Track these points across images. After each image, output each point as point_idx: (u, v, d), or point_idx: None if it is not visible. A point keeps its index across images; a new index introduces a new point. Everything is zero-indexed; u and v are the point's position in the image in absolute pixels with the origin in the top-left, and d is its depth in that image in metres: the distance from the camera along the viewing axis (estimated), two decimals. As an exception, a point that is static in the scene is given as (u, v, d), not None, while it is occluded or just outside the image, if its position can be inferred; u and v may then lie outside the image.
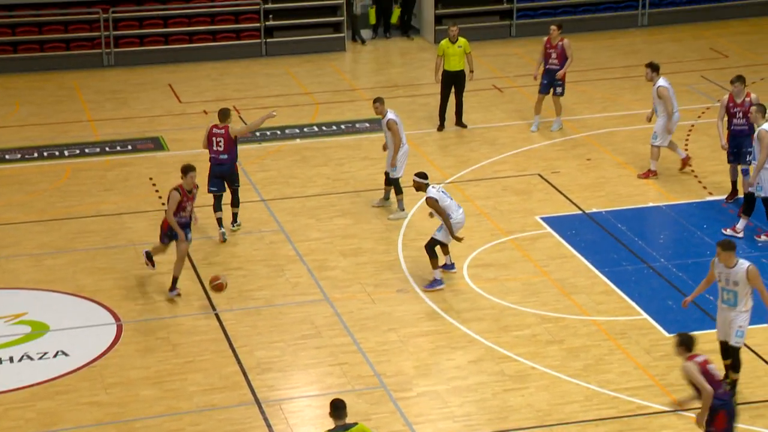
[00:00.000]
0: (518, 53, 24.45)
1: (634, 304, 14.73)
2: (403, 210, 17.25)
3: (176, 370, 13.54)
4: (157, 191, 18.28)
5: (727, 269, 12.57)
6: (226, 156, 16.42)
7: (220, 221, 16.67)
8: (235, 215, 16.87)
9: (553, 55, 19.81)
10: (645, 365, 13.42)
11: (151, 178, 18.75)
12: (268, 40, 24.54)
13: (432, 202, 14.97)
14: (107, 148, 20.10)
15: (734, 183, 17.11)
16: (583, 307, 14.75)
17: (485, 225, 16.74)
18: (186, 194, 14.99)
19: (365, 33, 25.55)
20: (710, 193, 17.74)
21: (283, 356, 13.77)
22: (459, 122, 20.52)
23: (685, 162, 18.30)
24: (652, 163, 18.11)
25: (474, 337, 14.06)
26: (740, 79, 16.79)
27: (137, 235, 16.86)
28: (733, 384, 12.84)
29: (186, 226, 15.09)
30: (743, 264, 12.56)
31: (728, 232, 16.12)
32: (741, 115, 16.54)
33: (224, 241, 16.50)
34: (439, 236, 15.12)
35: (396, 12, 25.40)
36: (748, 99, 16.54)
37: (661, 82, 17.88)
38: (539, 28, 25.33)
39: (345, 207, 17.57)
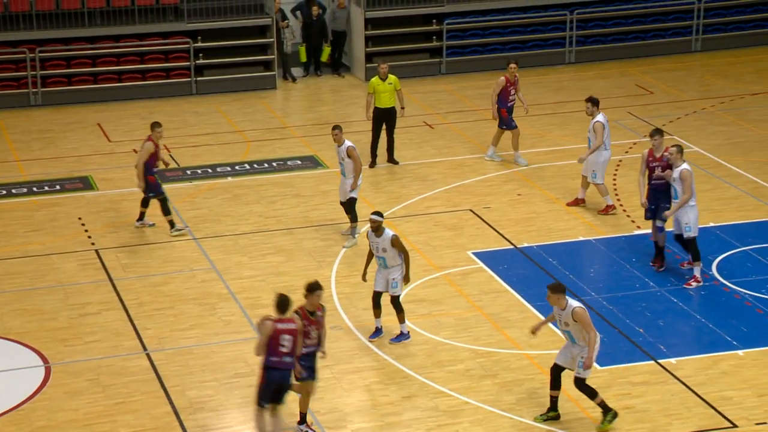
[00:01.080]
0: (448, 90, 24.63)
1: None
2: (355, 238, 17.41)
3: (106, 412, 13.34)
4: (86, 231, 18.06)
5: (560, 311, 12.84)
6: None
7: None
8: None
9: (513, 92, 20.00)
10: (577, 398, 13.47)
11: (80, 218, 18.55)
12: (198, 78, 24.51)
13: (397, 240, 14.54)
14: (34, 188, 19.84)
15: (656, 243, 16.60)
16: (516, 341, 14.80)
17: (418, 261, 16.76)
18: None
19: (296, 71, 25.59)
20: (638, 227, 17.94)
21: (216, 395, 13.63)
22: (390, 159, 20.58)
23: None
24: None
25: (408, 373, 14.03)
26: (658, 132, 16.41)
27: (65, 276, 16.64)
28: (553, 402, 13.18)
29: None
30: (571, 305, 12.75)
31: (692, 285, 16.01)
32: (660, 170, 16.17)
33: None
34: (398, 289, 14.65)
35: (326, 50, 25.49)
36: (666, 153, 16.04)
37: (599, 117, 18.10)
38: (469, 65, 25.64)
39: (277, 244, 17.49)
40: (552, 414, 13.14)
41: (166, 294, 16.07)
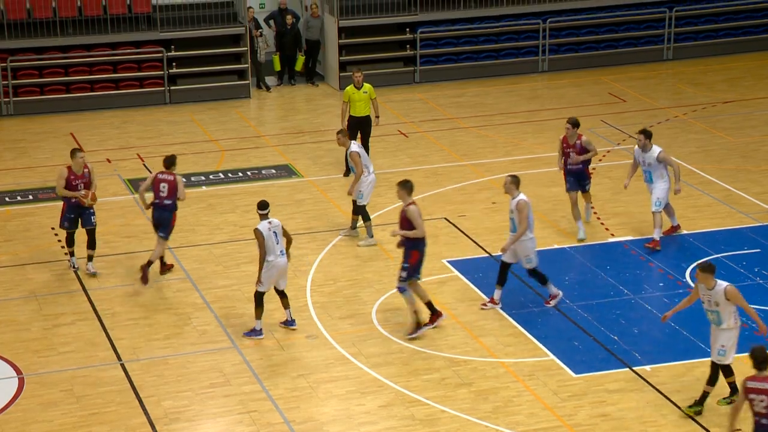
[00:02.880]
0: (422, 98, 24.66)
1: (541, 346, 14.82)
2: (372, 237, 17.64)
3: (80, 423, 13.24)
4: (59, 241, 17.95)
5: (707, 291, 13.12)
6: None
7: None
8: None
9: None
10: (553, 406, 13.50)
11: (53, 228, 18.40)
12: (171, 87, 24.44)
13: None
14: (7, 198, 19.70)
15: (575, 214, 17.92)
16: (492, 349, 14.80)
17: (393, 269, 16.68)
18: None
19: (270, 80, 25.56)
20: (612, 235, 18.00)
21: (191, 405, 13.57)
22: (365, 168, 20.61)
23: (674, 229, 17.87)
24: (656, 232, 17.38)
25: (384, 382, 14.02)
26: (573, 122, 17.60)
27: (38, 286, 16.54)
28: (703, 396, 13.36)
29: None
30: (721, 285, 13.11)
31: (488, 306, 15.78)
32: (573, 154, 17.67)
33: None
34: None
35: (300, 59, 25.48)
36: (578, 141, 17.58)
37: (655, 148, 17.20)
38: (443, 73, 25.69)
39: (252, 254, 17.29)
40: (697, 408, 13.38)
41: (140, 304, 15.98)
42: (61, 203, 16.83)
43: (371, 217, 17.87)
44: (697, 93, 24.68)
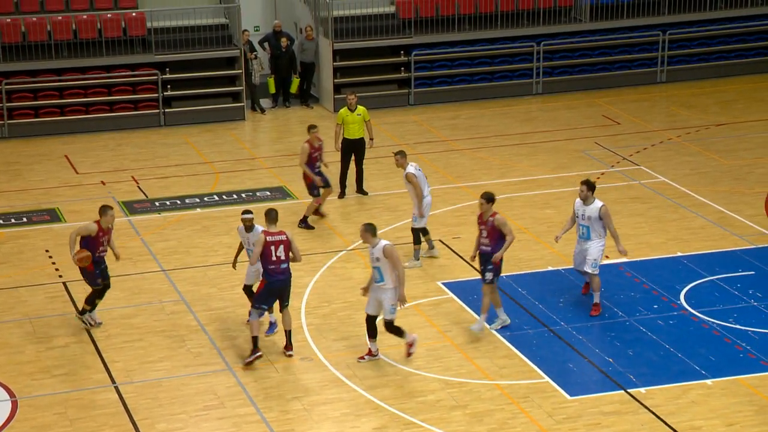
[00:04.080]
0: (417, 120, 24.66)
1: (536, 368, 14.77)
2: (419, 260, 17.71)
3: (74, 446, 13.13)
4: (53, 263, 17.90)
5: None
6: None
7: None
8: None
9: (320, 156, 19.17)
10: (548, 428, 13.44)
11: (47, 251, 18.37)
12: (166, 110, 24.44)
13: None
14: (1, 221, 19.66)
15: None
16: (486, 371, 14.76)
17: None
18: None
19: (264, 102, 25.55)
20: (606, 257, 17.94)
21: (186, 428, 13.49)
22: (360, 190, 20.55)
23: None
24: (596, 296, 16.21)
25: (379, 404, 13.95)
26: (487, 197, 15.48)
27: (32, 309, 16.46)
28: None
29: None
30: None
31: (365, 359, 14.90)
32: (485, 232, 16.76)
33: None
34: (391, 314, 14.76)
35: (295, 81, 25.51)
36: (491, 219, 15.44)
37: (597, 203, 16.06)
38: (437, 95, 25.74)
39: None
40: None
41: (134, 326, 15.92)
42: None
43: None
44: (691, 115, 24.71)
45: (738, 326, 15.65)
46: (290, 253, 14.73)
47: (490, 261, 15.42)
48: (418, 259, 17.70)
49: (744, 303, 16.30)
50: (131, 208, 20.09)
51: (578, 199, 16.08)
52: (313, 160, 18.98)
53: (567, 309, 16.33)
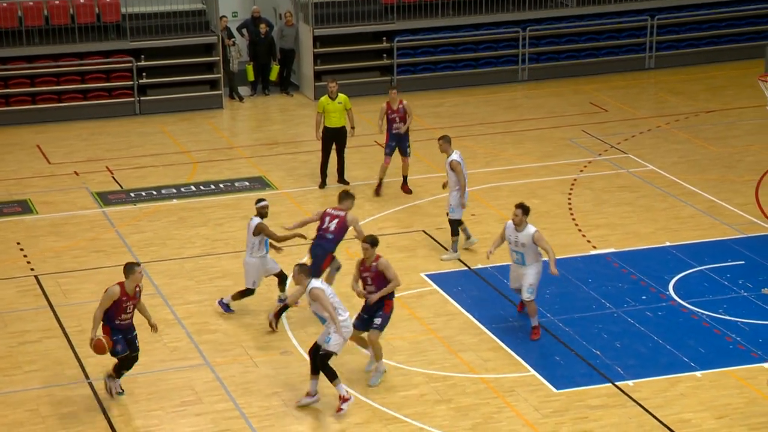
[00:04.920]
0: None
1: (521, 361, 14.63)
2: (457, 251, 17.38)
3: (46, 444, 12.96)
4: (25, 256, 17.60)
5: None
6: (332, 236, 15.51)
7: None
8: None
9: (397, 119, 19.57)
10: (534, 422, 13.31)
11: (18, 243, 18.12)
12: (141, 98, 24.23)
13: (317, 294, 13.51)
14: (-28, 212, 19.38)
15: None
16: (471, 364, 14.60)
17: None
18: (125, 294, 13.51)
19: (243, 90, 25.39)
20: (594, 247, 17.83)
21: (162, 424, 13.35)
22: (341, 179, 20.36)
23: None
24: (534, 320, 15.34)
25: (361, 399, 13.78)
26: (371, 241, 14.37)
27: (4, 303, 16.23)
28: None
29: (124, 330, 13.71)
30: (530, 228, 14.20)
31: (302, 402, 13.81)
32: (398, 119, 19.21)
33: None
34: (331, 345, 13.55)
35: (274, 69, 25.29)
36: (374, 263, 14.74)
37: (530, 228, 15.15)
38: (420, 83, 25.48)
39: (225, 268, 17.24)
40: None
41: None
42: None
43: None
44: (679, 102, 24.65)
45: (728, 317, 15.58)
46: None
47: (380, 308, 14.07)
48: (457, 251, 17.39)
49: (734, 293, 16.22)
50: (106, 199, 19.90)
51: (510, 222, 15.06)
52: (389, 121, 19.00)
53: (553, 301, 16.19)
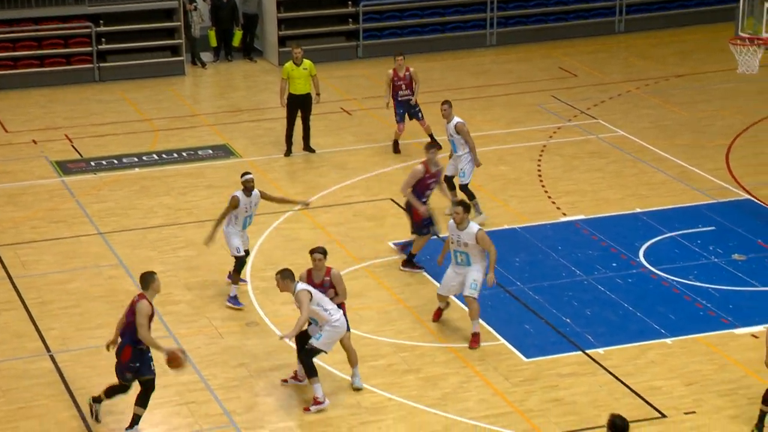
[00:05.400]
0: (366, 75, 24.35)
1: (491, 329, 14.52)
2: (482, 213, 17.16)
3: (7, 418, 12.80)
4: (-9, 236, 17.43)
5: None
6: None
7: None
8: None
9: (403, 86, 19.65)
10: (504, 391, 13.25)
11: (-27, 212, 18.02)
12: (101, 64, 24.01)
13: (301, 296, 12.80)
14: (-74, 181, 19.11)
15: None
16: (440, 334, 14.52)
17: (337, 253, 16.37)
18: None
19: (206, 56, 25.19)
20: (564, 214, 17.75)
21: (126, 397, 13.05)
22: (307, 147, 20.17)
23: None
24: (476, 325, 14.34)
25: (329, 370, 13.64)
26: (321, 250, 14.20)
27: (-39, 275, 16.07)
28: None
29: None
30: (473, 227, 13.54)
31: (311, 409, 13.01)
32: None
33: None
34: (320, 342, 12.94)
35: (237, 34, 25.07)
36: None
37: (473, 226, 14.27)
38: (386, 48, 25.28)
39: (189, 238, 17.10)
40: (762, 428, 12.47)
41: (70, 292, 15.58)
42: None
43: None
44: (649, 66, 24.65)
45: (698, 283, 15.57)
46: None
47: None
48: (482, 212, 17.20)
49: (704, 260, 16.20)
50: (65, 168, 19.69)
51: (452, 221, 14.12)
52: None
53: (523, 269, 16.10)
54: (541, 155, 19.97)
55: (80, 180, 18.97)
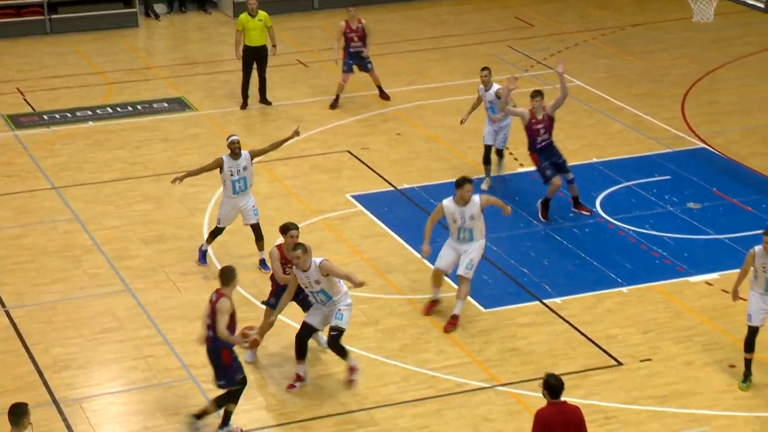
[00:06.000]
0: (322, 26, 24.15)
1: (448, 281, 14.49)
2: (487, 179, 17.04)
3: (-38, 375, 12.73)
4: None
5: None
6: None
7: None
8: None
9: (356, 38, 19.46)
10: (461, 342, 13.29)
11: None
12: (52, 16, 23.62)
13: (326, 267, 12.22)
14: None
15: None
16: (398, 285, 14.52)
17: (295, 206, 16.32)
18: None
19: (159, 7, 24.85)
20: (521, 165, 17.76)
21: (83, 352, 13.14)
22: (263, 99, 20.00)
23: None
24: (459, 305, 13.82)
25: (287, 322, 13.58)
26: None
27: None
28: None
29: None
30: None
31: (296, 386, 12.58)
32: (356, 38, 19.15)
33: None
34: (344, 322, 12.31)
35: (192, -15, 24.74)
36: (360, 24, 18.91)
37: (475, 198, 13.89)
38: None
39: (145, 192, 16.96)
40: (751, 377, 12.53)
41: (25, 247, 15.39)
42: None
43: None
44: (606, 16, 24.59)
45: (654, 232, 15.65)
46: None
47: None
48: (487, 179, 16.99)
49: (660, 209, 16.28)
50: (17, 122, 19.41)
51: (452, 205, 13.60)
52: (534, 133, 15.93)
53: (481, 219, 16.01)
54: (498, 106, 19.96)
55: (33, 134, 18.72)
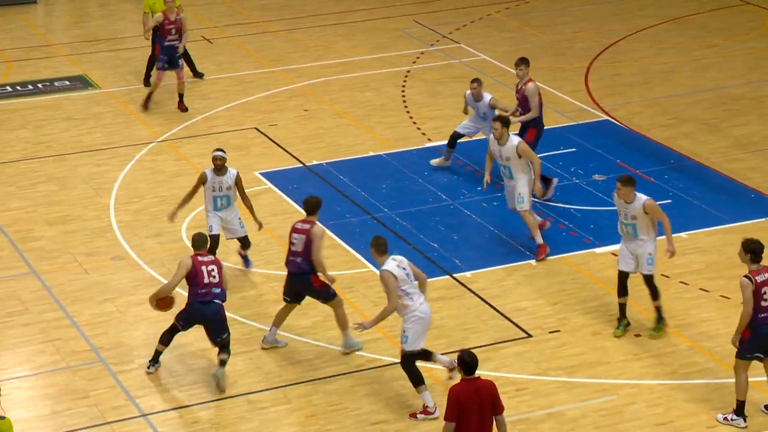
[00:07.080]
0: (227, 2, 23.90)
1: (360, 257, 14.55)
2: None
3: None
4: None
5: (626, 204, 12.73)
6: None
7: None
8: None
9: (173, 31, 18.35)
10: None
11: None
12: None
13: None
14: None
15: None
16: None
17: None
18: None
19: None
20: (429, 140, 17.78)
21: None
22: (195, 73, 19.73)
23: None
24: (538, 235, 14.74)
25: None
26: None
27: None
28: (658, 312, 13.03)
29: None
30: (641, 198, 12.71)
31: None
32: (174, 31, 18.13)
33: None
34: (410, 344, 11.71)
35: (92, -40, 24.15)
36: (179, 17, 18.09)
37: (513, 138, 14.66)
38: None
39: (49, 172, 16.64)
40: (624, 322, 13.05)
41: None
42: None
43: None
44: (509, -11, 24.67)
45: (560, 204, 15.78)
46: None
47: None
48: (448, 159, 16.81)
49: (566, 181, 16.44)
50: None
51: (492, 138, 14.47)
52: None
53: (390, 195, 16.12)
54: (405, 81, 19.93)
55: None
